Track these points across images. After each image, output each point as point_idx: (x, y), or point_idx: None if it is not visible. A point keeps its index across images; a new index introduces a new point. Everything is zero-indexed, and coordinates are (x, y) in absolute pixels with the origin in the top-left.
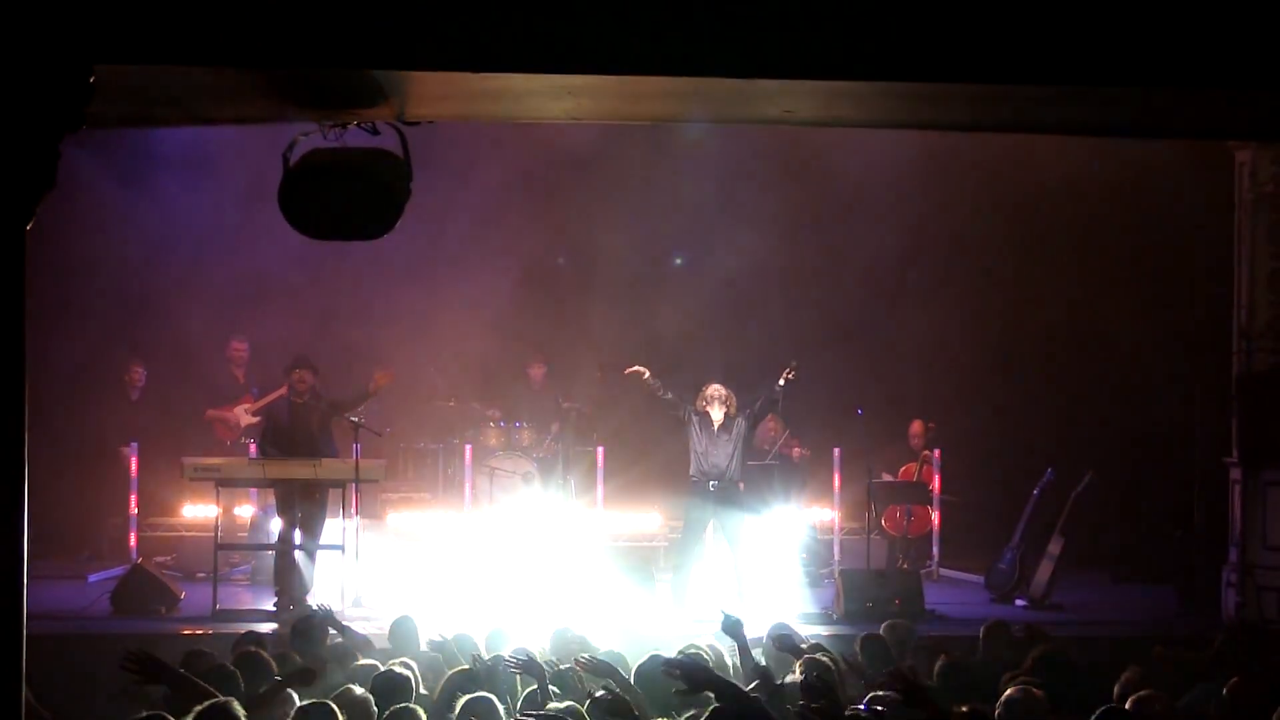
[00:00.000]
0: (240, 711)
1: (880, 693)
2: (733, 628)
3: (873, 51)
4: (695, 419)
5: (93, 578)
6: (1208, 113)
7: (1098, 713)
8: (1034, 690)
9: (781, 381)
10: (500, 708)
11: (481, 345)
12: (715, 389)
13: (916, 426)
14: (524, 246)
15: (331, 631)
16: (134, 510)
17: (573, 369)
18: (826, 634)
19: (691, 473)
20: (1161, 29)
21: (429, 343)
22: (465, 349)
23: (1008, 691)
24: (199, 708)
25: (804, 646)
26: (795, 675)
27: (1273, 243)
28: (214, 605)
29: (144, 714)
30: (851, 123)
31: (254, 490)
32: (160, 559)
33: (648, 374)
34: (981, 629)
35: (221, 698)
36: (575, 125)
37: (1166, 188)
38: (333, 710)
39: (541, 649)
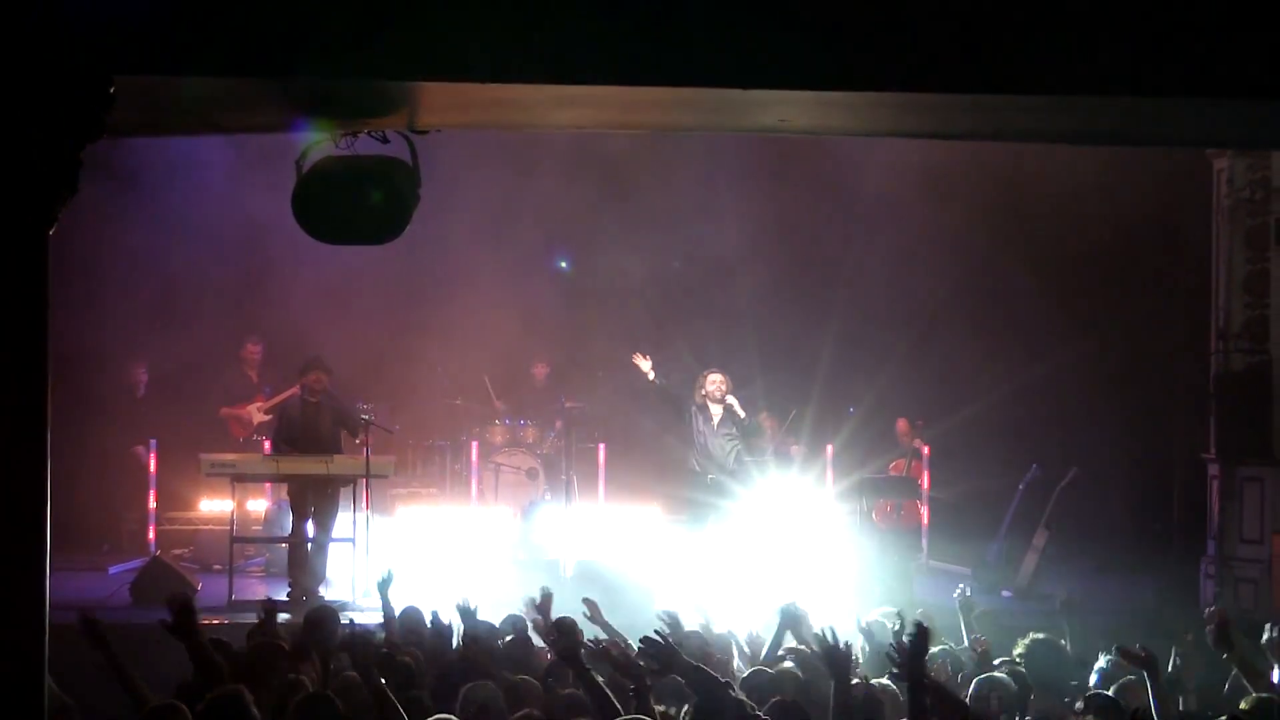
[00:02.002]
0: (249, 699)
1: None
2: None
3: (865, 62)
4: (695, 411)
5: (113, 569)
6: (1188, 121)
7: (1085, 696)
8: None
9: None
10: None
11: (486, 345)
12: (714, 380)
13: (902, 424)
14: (527, 249)
15: (343, 621)
16: (153, 505)
17: (575, 368)
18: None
19: (691, 465)
20: (1146, 38)
21: (435, 343)
22: (470, 349)
23: (980, 676)
24: (210, 695)
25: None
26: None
27: (1249, 247)
28: (229, 596)
29: (157, 703)
30: (845, 132)
31: (268, 485)
32: (178, 551)
33: (649, 367)
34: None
35: (232, 686)
36: (581, 132)
37: (1147, 193)
38: (332, 700)
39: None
